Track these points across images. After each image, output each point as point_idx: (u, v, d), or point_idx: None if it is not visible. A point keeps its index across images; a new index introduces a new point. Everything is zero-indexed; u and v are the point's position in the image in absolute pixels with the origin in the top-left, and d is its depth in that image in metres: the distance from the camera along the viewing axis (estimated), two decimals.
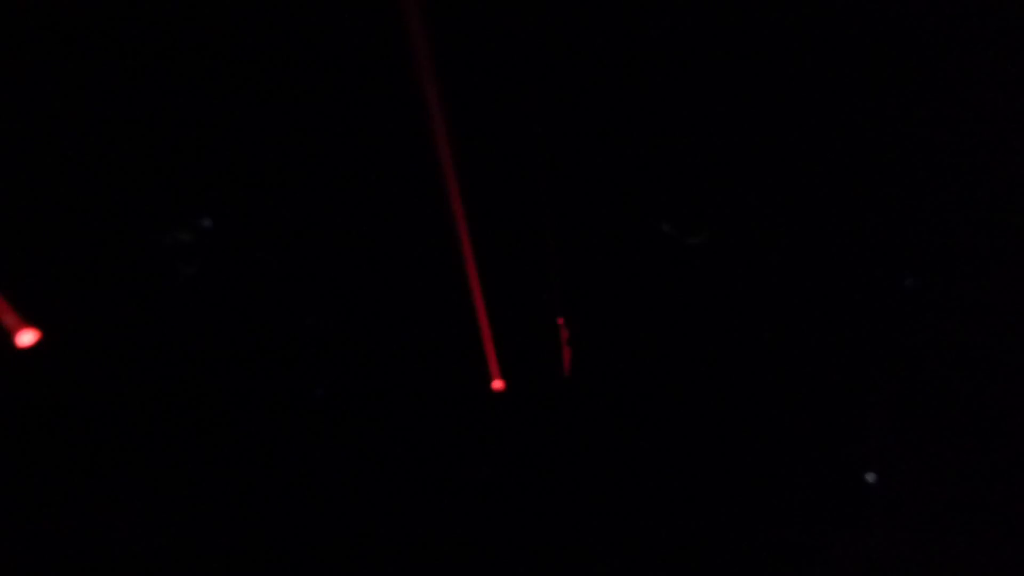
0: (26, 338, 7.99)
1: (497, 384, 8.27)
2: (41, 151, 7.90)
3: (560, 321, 7.99)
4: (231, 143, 7.90)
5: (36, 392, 8.12)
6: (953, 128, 7.82)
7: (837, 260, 8.14)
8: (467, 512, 8.22)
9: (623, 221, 7.91)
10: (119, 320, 8.22)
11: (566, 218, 7.88)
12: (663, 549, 8.08)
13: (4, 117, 7.78)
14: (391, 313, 8.25)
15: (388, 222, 8.06)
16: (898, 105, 7.94)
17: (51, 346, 8.11)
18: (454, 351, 8.25)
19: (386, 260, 8.14)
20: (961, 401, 8.04)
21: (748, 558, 8.06)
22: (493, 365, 8.31)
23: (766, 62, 7.77)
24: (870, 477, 8.05)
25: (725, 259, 8.19)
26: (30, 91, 7.77)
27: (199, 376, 8.30)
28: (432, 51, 7.25)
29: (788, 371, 8.23)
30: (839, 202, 8.02)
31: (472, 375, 8.33)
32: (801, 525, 8.07)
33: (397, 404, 8.38)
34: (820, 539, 8.02)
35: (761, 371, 8.23)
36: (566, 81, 7.60)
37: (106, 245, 8.10)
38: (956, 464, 7.97)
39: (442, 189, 7.71)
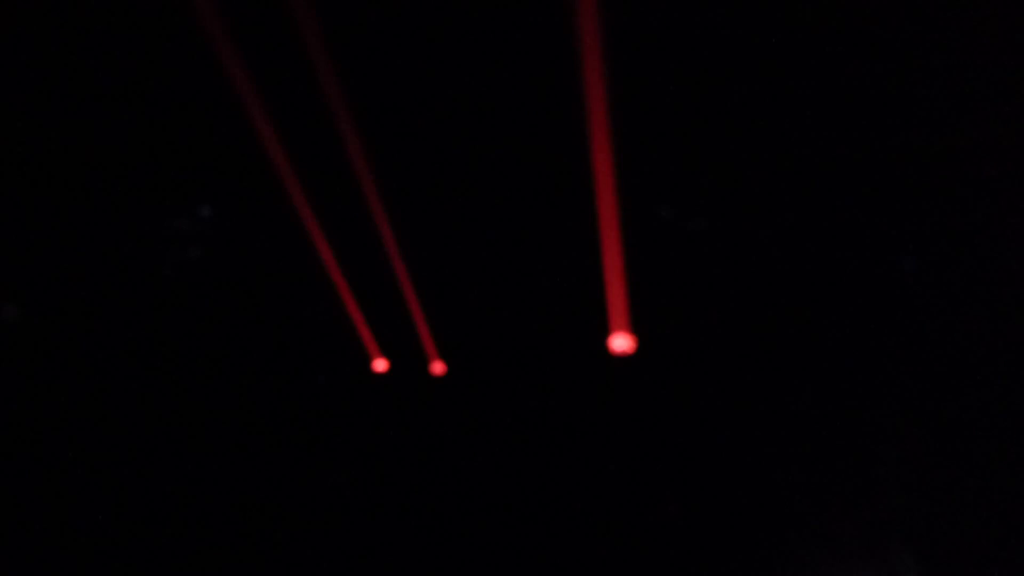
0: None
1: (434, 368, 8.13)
2: (37, 140, 7.84)
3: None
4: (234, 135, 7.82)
5: (33, 390, 8.13)
6: (955, 117, 7.69)
7: (838, 247, 8.04)
8: (465, 511, 8.21)
9: (621, 205, 7.82)
10: (115, 312, 8.20)
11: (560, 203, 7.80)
12: (662, 550, 8.07)
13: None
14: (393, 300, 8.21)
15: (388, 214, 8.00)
16: (900, 88, 7.82)
17: (46, 340, 8.09)
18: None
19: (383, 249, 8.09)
20: (964, 388, 7.98)
21: (749, 552, 8.05)
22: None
23: (766, 45, 7.65)
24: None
25: (726, 245, 8.10)
26: (23, 84, 7.70)
27: (198, 363, 8.28)
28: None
29: (788, 362, 8.17)
30: (840, 187, 7.91)
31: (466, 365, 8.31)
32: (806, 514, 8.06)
33: (399, 391, 8.36)
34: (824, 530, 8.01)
35: (762, 360, 8.17)
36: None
37: (102, 234, 8.06)
38: (957, 455, 7.92)
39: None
